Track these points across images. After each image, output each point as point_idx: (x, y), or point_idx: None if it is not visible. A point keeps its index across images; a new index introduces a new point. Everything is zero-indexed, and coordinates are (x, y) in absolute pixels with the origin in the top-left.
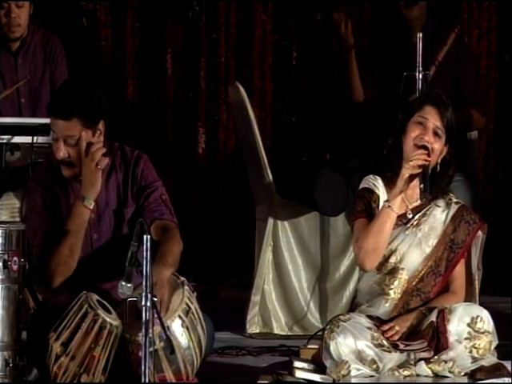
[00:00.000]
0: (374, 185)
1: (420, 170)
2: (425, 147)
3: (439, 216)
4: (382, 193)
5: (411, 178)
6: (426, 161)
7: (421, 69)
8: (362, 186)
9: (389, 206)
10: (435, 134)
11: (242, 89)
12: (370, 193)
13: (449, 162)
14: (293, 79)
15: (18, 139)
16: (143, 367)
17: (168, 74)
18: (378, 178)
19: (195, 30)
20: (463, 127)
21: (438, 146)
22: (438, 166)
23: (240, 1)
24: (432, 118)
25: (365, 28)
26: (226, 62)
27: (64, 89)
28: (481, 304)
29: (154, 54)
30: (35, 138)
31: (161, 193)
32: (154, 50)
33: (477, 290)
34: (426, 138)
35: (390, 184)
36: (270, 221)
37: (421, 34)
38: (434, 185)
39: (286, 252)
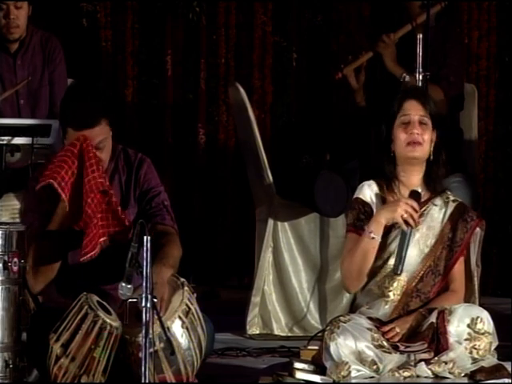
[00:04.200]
0: (368, 194)
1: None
2: (416, 193)
3: (437, 215)
4: (373, 203)
5: (409, 179)
6: (411, 217)
7: (421, 70)
8: (355, 194)
9: (372, 238)
10: (422, 123)
11: (242, 90)
12: (361, 204)
13: (439, 146)
14: (293, 80)
15: (18, 140)
16: (143, 368)
17: (168, 75)
18: (373, 183)
19: (195, 31)
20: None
21: (427, 136)
22: (431, 155)
23: (240, 2)
24: (414, 110)
25: (364, 28)
26: (226, 63)
27: (77, 96)
28: (481, 305)
29: (154, 55)
30: (35, 139)
31: (163, 198)
32: (153, 51)
33: (476, 287)
34: (414, 132)
35: (385, 190)
36: (270, 222)
37: (421, 35)
38: (430, 174)
39: (286, 253)
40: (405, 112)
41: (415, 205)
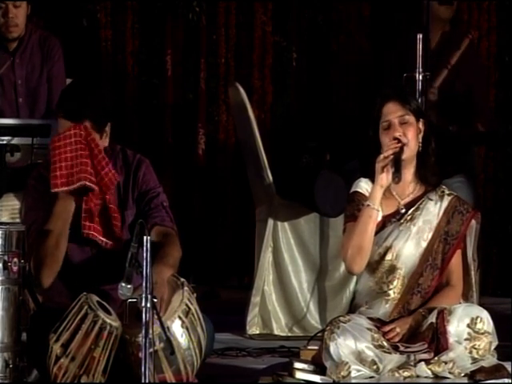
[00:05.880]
0: (365, 188)
1: (392, 157)
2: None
3: (432, 209)
4: None
5: (402, 176)
6: (396, 147)
7: (421, 70)
8: (352, 189)
9: (368, 205)
10: (402, 123)
11: (241, 90)
12: (359, 196)
13: (428, 135)
14: (293, 80)
15: (17, 140)
16: (143, 368)
17: (168, 75)
18: (368, 180)
19: (195, 31)
20: (470, 141)
21: (411, 133)
22: (420, 146)
23: (240, 2)
24: (392, 114)
25: (364, 28)
26: (225, 63)
27: (74, 90)
28: (481, 305)
29: (154, 55)
30: (35, 139)
31: (162, 199)
32: (153, 51)
33: (473, 281)
34: (396, 135)
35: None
36: (270, 222)
37: (421, 35)
38: (422, 167)
39: (286, 253)
40: (384, 117)
41: (392, 146)
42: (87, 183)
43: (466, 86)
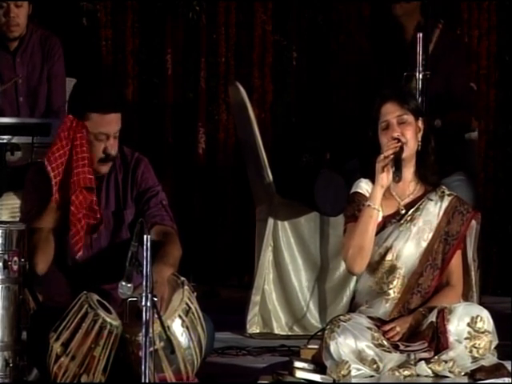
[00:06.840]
0: (366, 189)
1: (392, 157)
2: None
3: (432, 209)
4: None
5: (402, 176)
6: (396, 147)
7: (421, 69)
8: (353, 189)
9: (368, 205)
10: (401, 123)
11: (242, 89)
12: (360, 196)
13: (428, 134)
14: (293, 79)
15: (18, 139)
16: (143, 367)
17: (168, 75)
18: (368, 181)
19: (195, 30)
20: (458, 129)
21: (409, 133)
22: (419, 144)
23: (240, 1)
24: (391, 114)
25: (364, 28)
26: (226, 62)
27: (97, 84)
28: (481, 304)
29: (154, 54)
30: (35, 137)
31: (161, 198)
32: (154, 50)
33: (473, 281)
34: (395, 135)
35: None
36: (270, 221)
37: (421, 34)
38: (421, 166)
39: (286, 252)
40: (383, 118)
41: (392, 146)
42: (45, 161)
43: (444, 76)
